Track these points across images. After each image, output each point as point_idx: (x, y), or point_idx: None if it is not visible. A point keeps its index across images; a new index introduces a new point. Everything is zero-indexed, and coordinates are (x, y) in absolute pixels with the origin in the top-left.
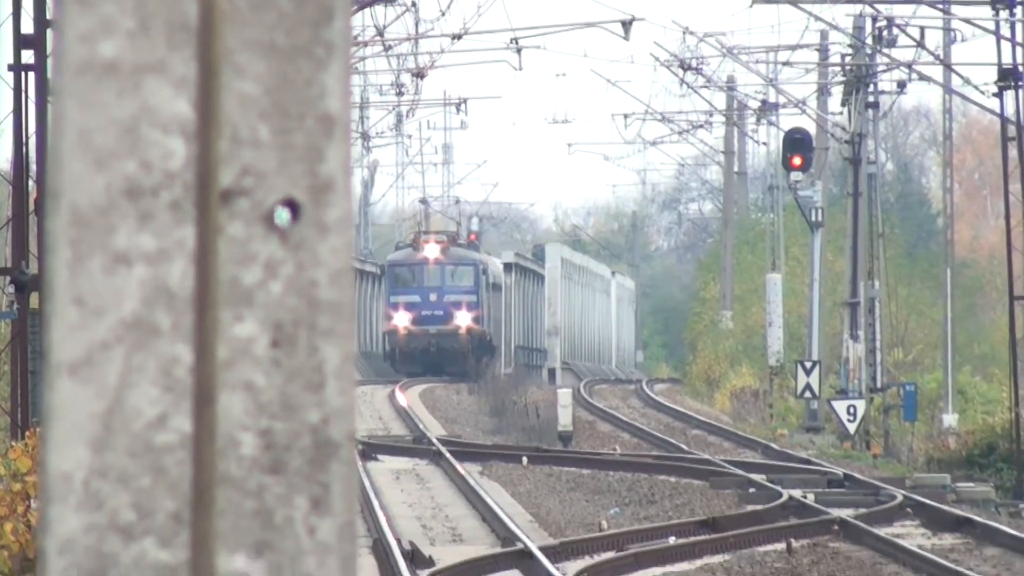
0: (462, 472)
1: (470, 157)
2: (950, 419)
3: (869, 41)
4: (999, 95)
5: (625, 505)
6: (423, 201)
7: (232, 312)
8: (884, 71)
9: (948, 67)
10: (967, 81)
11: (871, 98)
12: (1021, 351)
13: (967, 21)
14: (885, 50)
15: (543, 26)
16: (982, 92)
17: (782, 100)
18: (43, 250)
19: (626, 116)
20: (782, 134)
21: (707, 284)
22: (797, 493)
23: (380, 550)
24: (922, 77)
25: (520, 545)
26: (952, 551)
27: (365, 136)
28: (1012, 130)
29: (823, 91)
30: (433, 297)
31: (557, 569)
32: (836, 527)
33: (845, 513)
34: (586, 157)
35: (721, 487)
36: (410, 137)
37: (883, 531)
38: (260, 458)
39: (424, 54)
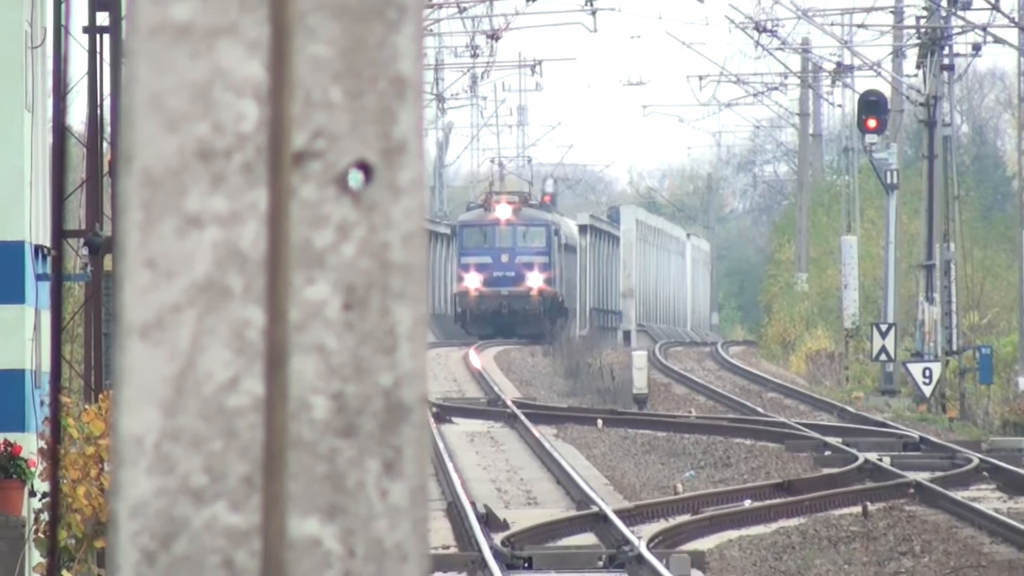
0: (537, 435)
1: (545, 119)
2: None
3: (944, 3)
4: None
5: (700, 468)
6: (499, 164)
7: (304, 274)
8: (959, 33)
9: (1023, 29)
10: None
11: (946, 60)
12: None
13: None
14: (960, 12)
15: None
16: None
17: (857, 62)
18: (116, 213)
19: (701, 78)
20: (857, 96)
21: (782, 246)
22: (873, 456)
23: (454, 513)
24: (997, 40)
25: (595, 508)
26: None
27: (440, 98)
28: None
29: (898, 53)
30: (504, 258)
31: (632, 532)
32: (912, 490)
33: (921, 476)
34: (661, 119)
35: (796, 450)
36: (485, 99)
37: (959, 494)
38: (332, 421)
39: (499, 16)
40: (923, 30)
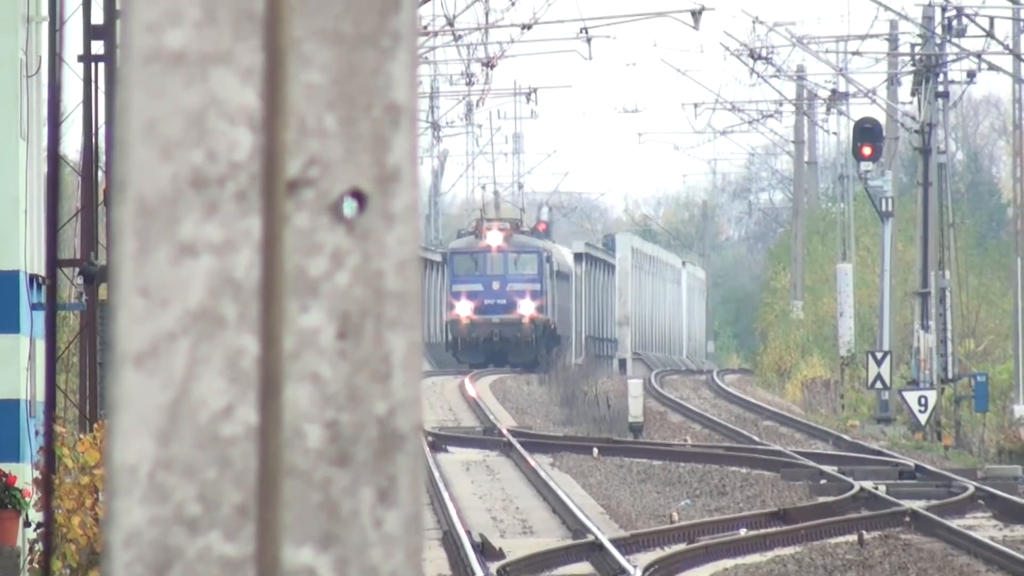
0: (532, 464)
1: (540, 147)
2: (1021, 409)
3: (939, 31)
4: None
5: (696, 496)
6: (494, 192)
7: (298, 303)
8: (954, 61)
9: (1018, 56)
10: None
11: (941, 88)
12: None
13: None
14: (955, 40)
15: (613, 16)
16: None
17: (852, 90)
18: (111, 241)
19: (696, 105)
20: (852, 123)
21: (778, 274)
22: (868, 484)
23: (450, 542)
24: (992, 67)
25: (591, 537)
26: None
27: (435, 126)
28: None
29: (893, 81)
30: (496, 285)
31: (628, 561)
32: (908, 519)
33: (917, 504)
34: (656, 146)
35: (792, 478)
36: (480, 127)
37: (955, 523)
38: (326, 450)
39: (494, 43)
40: (918, 57)
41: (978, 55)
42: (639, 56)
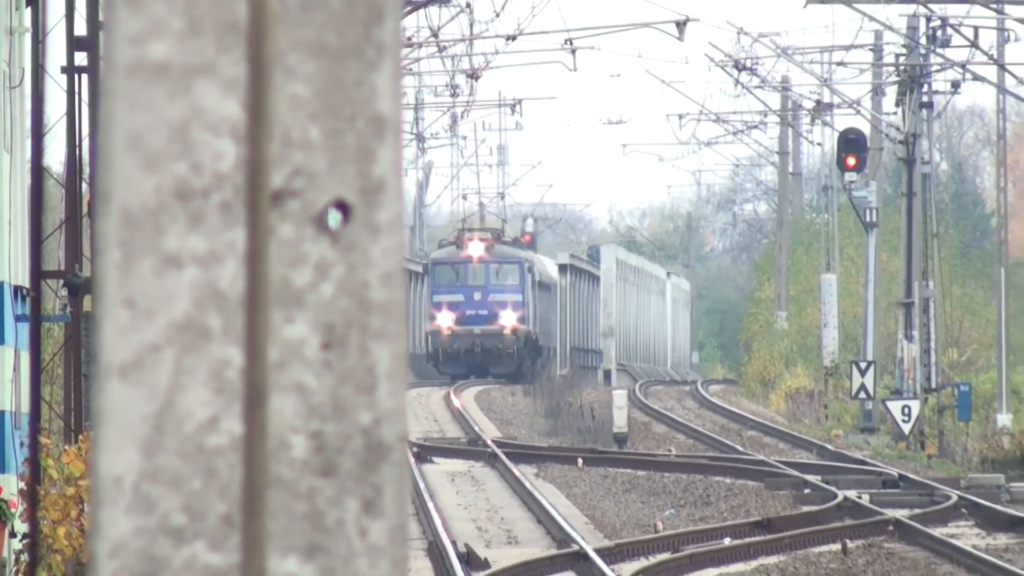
0: (517, 474)
1: (525, 158)
2: (1004, 419)
3: (923, 41)
4: None
5: (680, 506)
6: (479, 203)
7: (283, 314)
8: (938, 71)
9: (1002, 67)
10: (1021, 81)
11: (925, 98)
12: None
13: (1021, 21)
14: (939, 50)
15: (597, 27)
16: None
17: (836, 100)
18: (95, 253)
19: (681, 117)
20: (836, 134)
21: (762, 285)
22: (852, 494)
23: (435, 552)
24: (976, 77)
25: (576, 547)
26: (1007, 551)
27: (420, 137)
28: None
29: (877, 91)
30: (477, 296)
31: (612, 570)
32: (891, 528)
33: (900, 514)
34: (641, 158)
35: (776, 488)
36: (465, 138)
37: (938, 531)
38: (311, 460)
39: (479, 55)
40: (902, 68)
41: (962, 65)
42: (624, 67)
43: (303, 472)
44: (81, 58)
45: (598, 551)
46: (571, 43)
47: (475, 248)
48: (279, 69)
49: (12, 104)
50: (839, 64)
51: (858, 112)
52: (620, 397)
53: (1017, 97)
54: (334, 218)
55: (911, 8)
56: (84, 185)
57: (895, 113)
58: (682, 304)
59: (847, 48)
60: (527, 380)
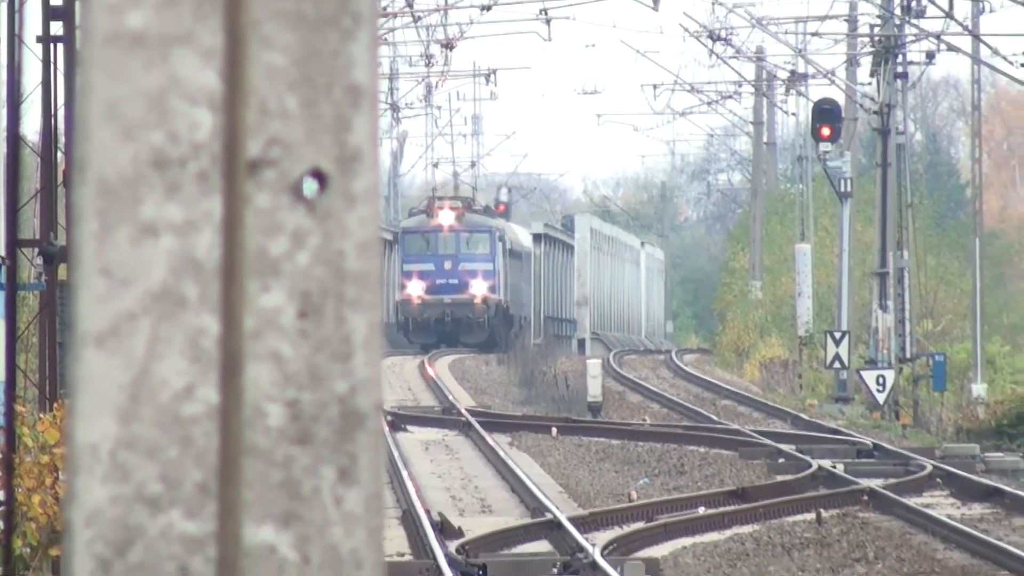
0: (491, 443)
1: (499, 128)
2: (979, 389)
3: (898, 12)
4: None
5: (655, 475)
6: (453, 173)
7: (259, 282)
8: (913, 42)
9: (977, 37)
10: (996, 52)
11: (900, 69)
12: None
13: None
14: (914, 20)
15: None
16: (1010, 63)
17: (811, 71)
18: (71, 222)
19: (655, 87)
20: (811, 105)
21: (736, 254)
22: (826, 463)
23: (409, 521)
24: (951, 48)
25: (549, 516)
26: (981, 521)
27: (394, 107)
28: None
29: (852, 62)
30: (448, 265)
31: (586, 539)
32: (865, 497)
33: (874, 483)
34: (615, 128)
35: (750, 457)
36: (439, 108)
37: (912, 501)
38: (287, 429)
39: (453, 25)
40: (877, 38)
41: (937, 36)
42: (598, 37)
43: (279, 441)
44: (57, 28)
45: (572, 520)
46: (546, 13)
47: (445, 217)
48: (256, 38)
49: None
50: (814, 35)
51: (832, 82)
52: (594, 366)
53: (992, 68)
54: (310, 187)
55: None
56: (59, 154)
57: (870, 83)
58: (656, 274)
59: (822, 19)
60: (500, 349)
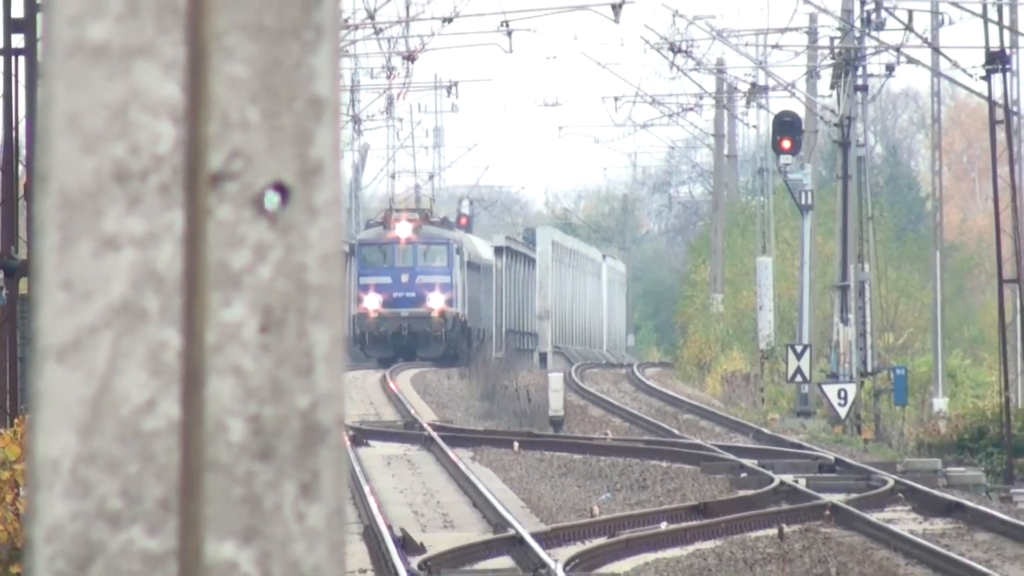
0: (453, 458)
1: (461, 140)
2: (940, 403)
3: (858, 24)
4: (987, 78)
5: (617, 490)
6: (415, 186)
7: (221, 296)
8: (873, 54)
9: (936, 50)
10: (955, 64)
11: (860, 81)
12: (1010, 334)
13: (955, 4)
14: (874, 33)
15: (534, 9)
16: (970, 75)
17: (771, 83)
18: (32, 235)
19: (616, 99)
20: (772, 117)
21: (698, 267)
22: (788, 478)
23: (371, 536)
24: (910, 60)
25: (512, 531)
26: (943, 536)
27: (356, 119)
28: (1000, 113)
29: (812, 74)
30: (404, 278)
31: (549, 555)
32: (827, 512)
33: (837, 498)
34: (577, 140)
35: (712, 472)
36: (401, 120)
37: (874, 516)
38: (249, 444)
39: (415, 37)
40: (837, 51)
41: (897, 48)
42: (560, 49)
43: (240, 456)
44: (18, 40)
45: (534, 535)
46: (507, 25)
47: (402, 229)
48: (218, 50)
49: None
50: (774, 47)
51: (793, 95)
52: (556, 380)
53: (951, 80)
54: (272, 200)
55: None
56: (20, 167)
57: (830, 96)
58: (618, 286)
59: (782, 31)
60: (459, 363)
